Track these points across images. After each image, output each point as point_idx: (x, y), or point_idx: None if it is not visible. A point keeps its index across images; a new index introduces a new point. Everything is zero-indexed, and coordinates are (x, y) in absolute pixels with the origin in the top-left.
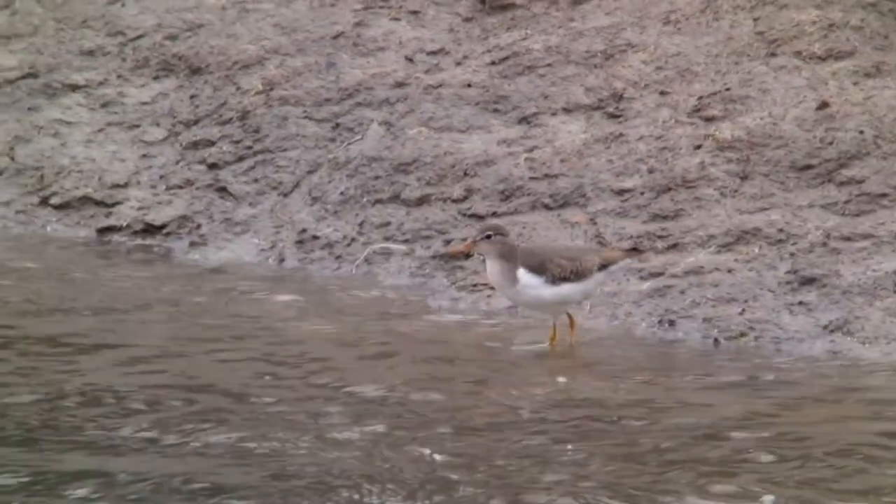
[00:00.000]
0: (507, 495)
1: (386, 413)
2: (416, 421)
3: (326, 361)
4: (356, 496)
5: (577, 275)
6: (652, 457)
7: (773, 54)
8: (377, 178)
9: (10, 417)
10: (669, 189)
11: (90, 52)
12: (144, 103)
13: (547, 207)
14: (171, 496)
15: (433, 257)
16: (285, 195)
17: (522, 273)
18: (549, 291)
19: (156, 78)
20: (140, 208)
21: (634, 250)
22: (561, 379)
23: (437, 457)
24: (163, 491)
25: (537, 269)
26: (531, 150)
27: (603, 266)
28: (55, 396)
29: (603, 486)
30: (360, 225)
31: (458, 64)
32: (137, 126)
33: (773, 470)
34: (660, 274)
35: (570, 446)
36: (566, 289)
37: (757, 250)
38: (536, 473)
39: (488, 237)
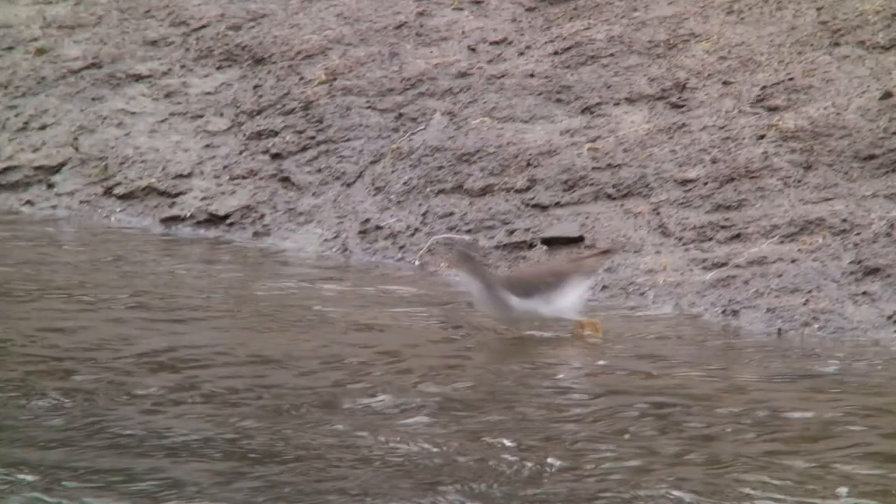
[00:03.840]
0: None
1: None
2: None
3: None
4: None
5: (565, 290)
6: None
7: (837, 44)
8: (440, 168)
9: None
10: (733, 179)
11: (154, 43)
12: (208, 93)
13: (610, 198)
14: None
15: (497, 247)
16: (349, 185)
17: (514, 299)
18: (547, 309)
19: (219, 68)
20: (204, 198)
21: (607, 251)
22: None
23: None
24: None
25: (529, 292)
26: (594, 140)
27: (587, 275)
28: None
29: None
30: (424, 215)
31: (521, 54)
32: (201, 116)
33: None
34: (723, 264)
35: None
36: (560, 305)
37: (821, 240)
38: None
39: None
